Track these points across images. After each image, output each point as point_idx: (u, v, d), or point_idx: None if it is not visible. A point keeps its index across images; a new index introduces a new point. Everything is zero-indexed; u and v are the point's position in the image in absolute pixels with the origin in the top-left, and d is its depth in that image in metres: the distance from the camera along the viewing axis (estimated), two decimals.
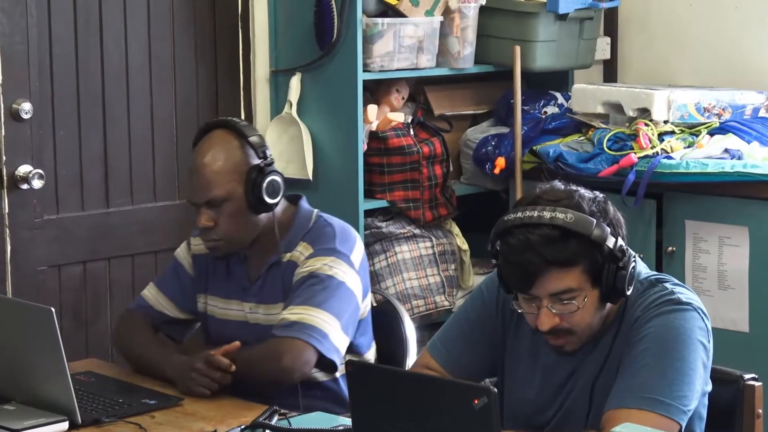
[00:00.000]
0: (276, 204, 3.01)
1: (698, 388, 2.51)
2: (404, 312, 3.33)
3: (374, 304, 3.71)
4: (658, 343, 2.51)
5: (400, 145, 4.44)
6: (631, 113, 4.31)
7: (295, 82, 4.47)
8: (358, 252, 3.05)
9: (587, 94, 4.46)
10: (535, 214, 2.46)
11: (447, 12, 4.48)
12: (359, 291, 3.02)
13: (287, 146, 4.50)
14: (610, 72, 5.01)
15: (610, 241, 2.47)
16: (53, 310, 2.61)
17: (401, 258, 4.48)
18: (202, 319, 3.21)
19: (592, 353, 2.61)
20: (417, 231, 4.53)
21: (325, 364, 2.96)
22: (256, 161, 2.99)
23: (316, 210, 3.13)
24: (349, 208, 4.38)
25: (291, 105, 4.48)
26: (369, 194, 4.46)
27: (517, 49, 4.49)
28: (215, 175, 2.96)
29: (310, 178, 4.44)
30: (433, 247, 4.55)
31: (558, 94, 4.80)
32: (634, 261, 2.52)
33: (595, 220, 2.47)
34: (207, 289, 3.16)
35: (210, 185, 2.96)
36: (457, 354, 2.77)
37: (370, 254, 4.46)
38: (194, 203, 3.02)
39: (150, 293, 3.21)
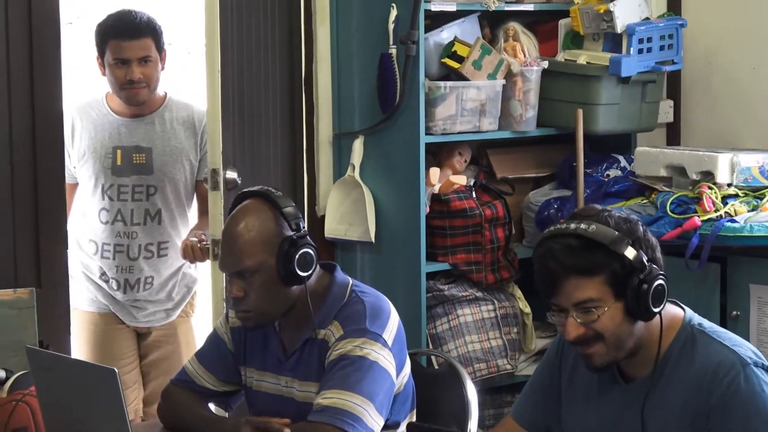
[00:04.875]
0: (308, 277, 2.95)
1: None
2: (466, 375, 3.30)
3: (436, 367, 3.71)
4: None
5: (462, 208, 4.44)
6: (694, 176, 4.28)
7: (358, 144, 4.50)
8: (392, 327, 2.98)
9: (650, 157, 4.45)
10: (563, 226, 2.60)
11: (509, 75, 4.50)
12: (393, 368, 2.96)
13: (350, 209, 4.53)
14: (674, 135, 4.98)
15: (630, 253, 2.55)
16: (116, 370, 2.63)
17: (463, 321, 4.46)
18: (245, 391, 3.19)
19: (637, 388, 2.66)
20: (479, 294, 4.51)
21: None
22: (289, 233, 2.93)
23: (351, 281, 3.06)
24: (411, 270, 4.40)
25: (354, 168, 4.51)
26: (431, 257, 4.45)
27: (580, 112, 4.49)
28: (247, 246, 2.92)
29: (373, 240, 4.45)
30: (495, 310, 4.53)
31: (621, 157, 4.77)
32: (662, 279, 2.58)
33: (616, 233, 2.56)
34: (245, 362, 3.14)
35: (241, 255, 2.92)
36: (530, 406, 2.87)
37: (432, 317, 4.45)
38: (225, 272, 2.98)
39: (191, 366, 3.20)
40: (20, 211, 3.95)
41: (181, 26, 5.62)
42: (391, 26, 4.31)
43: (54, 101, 3.97)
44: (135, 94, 4.12)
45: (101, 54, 4.12)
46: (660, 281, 2.57)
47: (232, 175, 4.07)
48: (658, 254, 2.65)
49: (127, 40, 4.05)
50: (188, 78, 5.43)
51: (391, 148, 4.44)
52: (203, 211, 4.20)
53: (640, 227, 2.64)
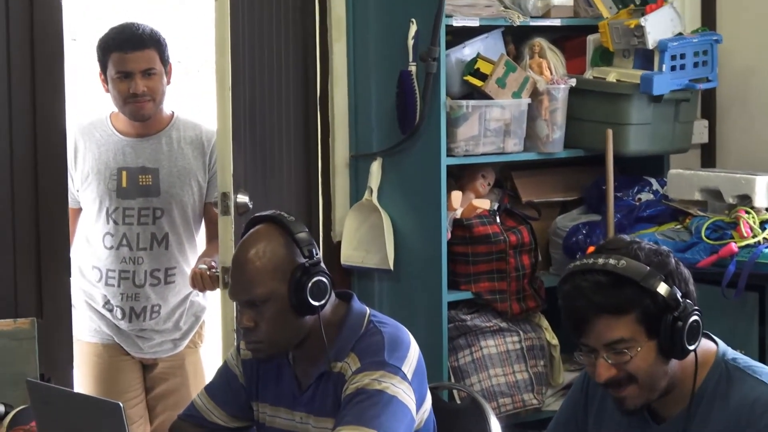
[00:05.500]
0: (322, 306, 2.92)
1: None
2: (490, 411, 3.28)
3: (458, 402, 3.68)
4: None
5: (485, 234, 4.42)
6: (730, 200, 4.28)
7: (376, 167, 4.51)
8: (412, 359, 2.95)
9: (684, 180, 4.44)
10: (591, 261, 2.57)
11: (535, 94, 4.48)
12: (413, 403, 2.92)
13: (367, 235, 4.53)
14: (709, 156, 4.97)
15: (662, 289, 2.53)
16: (121, 404, 2.62)
17: (487, 353, 4.45)
18: (257, 427, 3.17)
19: (670, 429, 2.64)
20: (504, 324, 4.49)
21: None
22: (302, 260, 2.92)
23: (368, 310, 3.03)
24: (432, 299, 4.37)
25: (371, 191, 4.51)
26: (453, 285, 4.43)
27: (610, 132, 4.47)
28: (257, 273, 2.90)
29: (391, 268, 4.44)
30: (520, 341, 4.51)
31: (653, 180, 4.77)
32: (697, 315, 2.56)
33: (648, 268, 2.54)
34: (258, 396, 3.12)
35: (251, 283, 2.90)
36: None
37: (454, 349, 4.43)
38: (235, 301, 2.98)
39: (200, 401, 3.18)
40: (21, 237, 3.93)
41: (191, 42, 5.62)
42: (410, 42, 4.32)
43: (57, 121, 3.96)
44: (139, 107, 4.09)
45: (103, 68, 4.11)
46: (695, 317, 2.56)
47: (243, 199, 4.06)
48: (692, 287, 2.63)
49: (129, 52, 4.05)
50: (197, 97, 5.44)
51: (410, 171, 4.42)
52: (212, 236, 4.18)
53: (672, 260, 2.61)
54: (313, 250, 2.95)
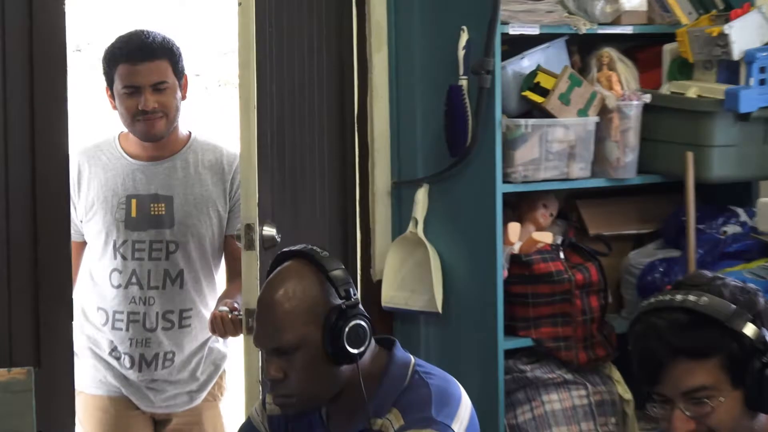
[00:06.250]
0: (361, 354, 2.90)
1: None
2: None
3: None
4: None
5: (547, 272, 4.33)
6: None
7: (422, 195, 4.45)
8: (463, 416, 2.91)
9: None
10: (667, 297, 2.56)
11: (604, 111, 4.42)
12: None
13: (412, 273, 4.47)
14: None
15: (750, 331, 2.50)
16: None
17: (550, 409, 4.34)
18: None
19: None
20: (569, 376, 4.39)
21: None
22: (338, 301, 2.89)
23: (413, 360, 3.00)
24: (486, 347, 4.29)
25: (416, 223, 4.46)
26: (510, 331, 4.35)
27: (690, 155, 4.38)
28: (287, 317, 2.87)
29: (439, 310, 4.37)
30: (588, 396, 4.40)
31: (740, 210, 4.66)
32: None
33: (734, 306, 2.51)
34: None
35: (280, 329, 2.87)
36: None
37: (512, 404, 4.33)
38: (260, 349, 2.96)
39: None
40: (17, 275, 3.87)
41: (191, 43, 5.67)
42: (461, 53, 4.27)
43: (58, 143, 3.89)
44: (150, 125, 4.07)
45: (110, 83, 4.09)
46: None
47: (270, 231, 4.03)
48: None
49: (138, 63, 4.04)
50: (219, 115, 5.54)
51: (461, 200, 4.36)
52: (234, 274, 4.11)
53: (761, 299, 2.58)
54: (351, 290, 2.92)
